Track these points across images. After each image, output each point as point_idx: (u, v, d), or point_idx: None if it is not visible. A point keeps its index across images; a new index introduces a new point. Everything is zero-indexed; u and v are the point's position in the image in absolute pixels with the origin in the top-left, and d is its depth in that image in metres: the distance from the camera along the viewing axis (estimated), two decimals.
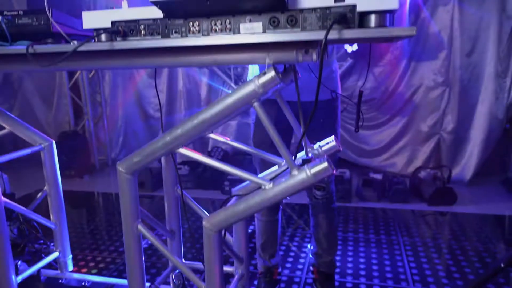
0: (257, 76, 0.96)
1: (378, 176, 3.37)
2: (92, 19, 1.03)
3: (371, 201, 3.30)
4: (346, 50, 3.65)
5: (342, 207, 3.19)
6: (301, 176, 0.97)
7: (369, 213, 3.08)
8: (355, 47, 3.50)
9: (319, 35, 0.85)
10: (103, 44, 0.99)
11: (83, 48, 0.98)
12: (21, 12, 1.18)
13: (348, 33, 0.85)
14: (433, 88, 3.67)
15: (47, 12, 1.11)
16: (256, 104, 0.99)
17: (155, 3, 0.92)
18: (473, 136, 3.57)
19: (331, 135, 1.62)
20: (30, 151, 1.44)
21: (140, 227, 1.17)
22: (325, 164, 0.95)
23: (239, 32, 0.94)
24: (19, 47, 1.06)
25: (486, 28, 3.39)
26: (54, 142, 1.52)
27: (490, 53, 3.41)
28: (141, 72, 4.49)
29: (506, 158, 3.59)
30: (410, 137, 3.84)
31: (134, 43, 0.98)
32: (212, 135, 1.16)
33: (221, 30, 0.95)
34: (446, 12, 3.49)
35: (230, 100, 0.99)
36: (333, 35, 0.84)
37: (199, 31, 0.97)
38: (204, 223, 1.07)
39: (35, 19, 1.16)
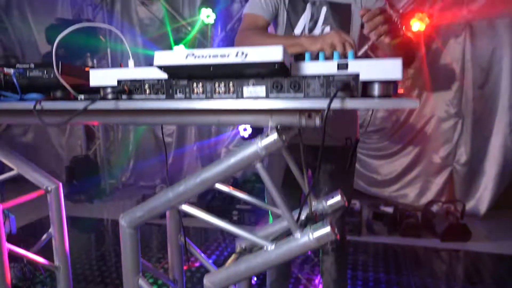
0: (260, 138, 0.96)
1: (389, 209, 3.31)
2: (99, 77, 1.04)
3: (381, 235, 3.22)
4: None
5: (352, 241, 3.13)
6: (303, 239, 0.95)
7: (380, 249, 3.00)
8: None
9: (322, 103, 0.84)
10: (108, 103, 1.00)
11: (89, 107, 0.99)
12: (32, 65, 1.21)
13: (351, 103, 0.84)
14: (446, 119, 3.63)
15: (54, 68, 1.13)
16: (258, 166, 0.98)
17: (159, 67, 0.93)
18: (487, 169, 3.49)
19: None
20: (37, 195, 1.45)
21: (141, 281, 1.15)
22: (328, 229, 0.92)
23: (242, 95, 0.94)
24: (27, 103, 1.07)
25: (499, 60, 3.36)
26: (61, 184, 1.53)
27: (504, 85, 3.36)
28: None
29: None
30: (422, 168, 3.78)
31: (138, 103, 0.98)
32: (217, 185, 1.16)
33: (225, 92, 0.95)
34: (458, 43, 3.47)
35: (232, 161, 0.99)
36: (336, 103, 0.83)
37: (202, 92, 0.97)
38: (205, 281, 1.05)
39: (45, 72, 1.19)
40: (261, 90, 0.93)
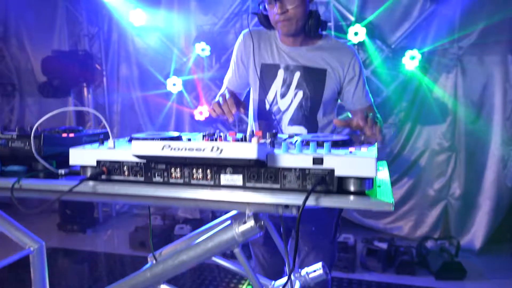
0: (237, 223, 0.95)
1: (383, 245, 3.28)
2: (79, 157, 1.04)
3: (375, 271, 3.19)
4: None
5: (345, 279, 3.09)
6: None
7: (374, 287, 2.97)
8: None
9: (297, 199, 0.84)
10: (86, 186, 1.00)
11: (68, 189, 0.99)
12: (14, 136, 1.21)
13: (326, 201, 0.83)
14: (439, 153, 3.63)
15: (32, 144, 1.12)
16: (236, 251, 0.97)
17: (137, 156, 0.93)
18: (481, 204, 3.48)
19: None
20: (18, 256, 1.44)
21: None
22: None
23: (219, 182, 0.94)
24: (7, 180, 1.07)
25: (490, 96, 3.38)
26: (44, 244, 1.52)
27: (496, 121, 3.38)
28: (149, 125, 4.55)
29: None
30: (417, 201, 3.76)
31: (115, 188, 0.98)
32: None
33: (202, 178, 0.95)
34: (450, 79, 3.50)
35: (210, 245, 0.98)
36: (311, 201, 0.83)
37: (180, 177, 0.97)
38: None
39: (27, 144, 1.19)
40: (238, 178, 0.92)
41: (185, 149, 0.88)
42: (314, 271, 1.22)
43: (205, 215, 4.05)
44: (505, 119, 3.37)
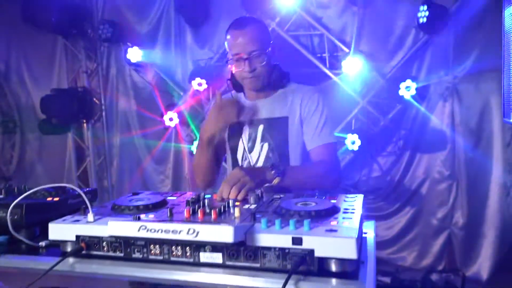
0: None
1: (387, 279, 3.20)
2: (58, 232, 1.02)
3: None
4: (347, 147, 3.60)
5: None
6: None
7: None
8: (356, 146, 3.48)
9: (277, 283, 0.81)
10: (65, 264, 0.97)
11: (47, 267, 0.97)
12: None
13: (306, 284, 0.80)
14: (440, 181, 3.58)
15: (8, 221, 1.11)
16: None
17: (114, 237, 0.92)
18: (486, 233, 3.40)
19: None
20: None
21: None
22: None
23: (199, 259, 0.91)
24: None
25: (489, 123, 3.36)
26: None
27: (496, 148, 3.34)
28: (147, 158, 4.55)
29: None
30: (420, 230, 3.69)
31: (93, 267, 0.96)
32: None
33: (181, 255, 0.93)
34: (447, 107, 3.49)
35: None
36: (291, 285, 0.80)
37: (160, 254, 0.95)
38: None
39: (9, 213, 1.17)
40: (217, 256, 0.90)
41: (161, 231, 0.86)
42: None
43: None
44: (505, 146, 3.33)
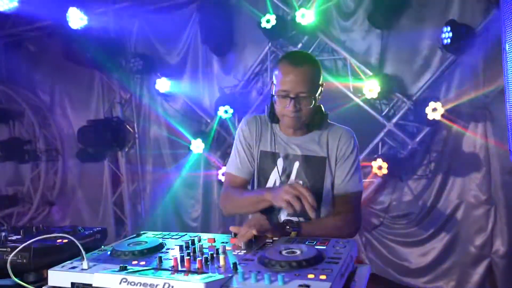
0: None
1: None
2: (56, 278, 1.08)
3: None
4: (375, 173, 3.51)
5: None
6: None
7: None
8: (382, 172, 3.39)
9: None
10: None
11: None
12: (8, 250, 1.29)
13: None
14: (476, 206, 3.39)
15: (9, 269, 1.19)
16: None
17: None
18: None
19: None
20: None
21: None
22: None
23: None
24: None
25: None
26: None
27: None
28: (178, 184, 4.66)
29: None
30: (457, 258, 3.49)
31: None
32: None
33: None
34: (479, 128, 3.32)
35: None
36: None
37: None
38: None
39: (19, 257, 1.26)
40: None
41: (140, 285, 0.89)
42: None
43: None
44: None
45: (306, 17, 3.56)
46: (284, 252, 1.04)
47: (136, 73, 4.42)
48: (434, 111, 3.18)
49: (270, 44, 3.90)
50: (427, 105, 3.29)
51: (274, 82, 1.54)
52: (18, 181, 5.71)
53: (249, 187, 1.73)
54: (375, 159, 3.45)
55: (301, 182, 1.57)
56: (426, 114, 3.29)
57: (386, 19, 3.53)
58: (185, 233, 1.38)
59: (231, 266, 0.99)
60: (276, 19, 3.58)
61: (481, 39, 3.18)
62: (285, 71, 1.48)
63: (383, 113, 3.63)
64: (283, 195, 1.31)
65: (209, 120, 4.28)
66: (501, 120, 3.24)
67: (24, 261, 1.24)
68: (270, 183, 1.63)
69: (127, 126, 4.75)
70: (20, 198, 5.53)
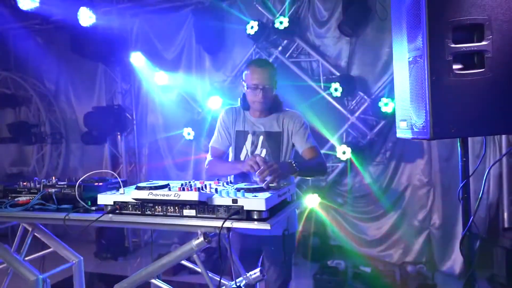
0: (194, 240, 1.57)
1: (367, 269, 3.73)
2: (104, 199, 1.71)
3: None
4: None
5: None
6: None
7: None
8: (346, 156, 4.06)
9: (218, 223, 1.46)
10: (106, 217, 1.66)
11: (95, 218, 1.65)
12: (65, 185, 1.91)
13: (238, 224, 1.45)
14: (420, 187, 4.09)
15: (76, 192, 1.81)
16: (195, 256, 1.59)
17: (135, 199, 1.59)
18: (459, 233, 3.86)
19: (280, 263, 2.16)
20: (64, 267, 2.09)
21: None
22: None
23: (183, 213, 1.57)
24: (61, 214, 1.75)
25: None
26: (82, 258, 2.18)
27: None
28: (172, 166, 5.27)
29: (492, 255, 3.80)
30: (404, 230, 4.19)
31: (123, 218, 1.64)
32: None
33: (173, 212, 1.59)
34: None
35: (178, 253, 1.60)
36: (227, 224, 1.45)
37: (161, 211, 1.61)
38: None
39: (72, 191, 1.88)
40: (193, 211, 1.56)
41: (161, 195, 1.53)
42: (254, 273, 1.80)
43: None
44: (474, 157, 3.80)
45: (283, 24, 4.20)
46: (243, 185, 1.69)
47: (136, 66, 5.00)
48: (386, 105, 3.86)
49: (255, 46, 4.53)
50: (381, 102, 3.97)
51: (246, 79, 2.19)
52: (22, 162, 6.26)
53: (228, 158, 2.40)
54: (340, 146, 4.13)
55: (264, 150, 2.23)
56: (380, 110, 3.96)
57: (354, 28, 4.18)
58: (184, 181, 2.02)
59: (214, 190, 1.63)
60: (258, 25, 4.21)
61: None
62: (255, 71, 2.14)
63: (348, 108, 4.31)
64: (247, 162, 1.92)
65: (200, 110, 4.90)
66: None
67: (78, 193, 1.86)
68: (243, 153, 2.28)
69: (127, 114, 5.35)
70: (26, 177, 6.08)
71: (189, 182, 1.82)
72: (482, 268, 3.84)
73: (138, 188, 1.78)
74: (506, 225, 3.60)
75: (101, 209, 1.77)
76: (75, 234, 1.95)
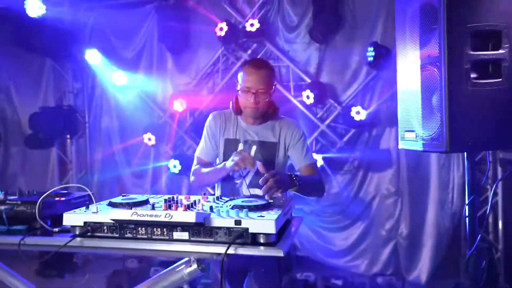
0: (185, 267, 1.33)
1: (339, 282, 3.64)
2: (70, 219, 1.41)
3: None
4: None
5: None
6: None
7: None
8: (319, 162, 3.97)
9: (222, 249, 1.24)
10: (76, 242, 1.37)
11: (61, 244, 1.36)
12: (19, 202, 1.57)
13: (243, 250, 1.23)
14: (388, 197, 4.09)
15: (36, 209, 1.49)
16: (185, 287, 1.34)
17: (114, 220, 1.32)
18: (425, 242, 3.91)
19: (273, 284, 1.96)
20: None
21: None
22: None
23: (172, 237, 1.33)
24: (14, 238, 1.42)
25: None
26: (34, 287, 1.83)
27: (433, 168, 3.89)
28: (127, 173, 4.88)
29: (457, 264, 3.89)
30: (371, 240, 4.17)
31: (97, 243, 1.35)
32: None
33: (160, 234, 1.34)
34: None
35: (165, 284, 1.35)
36: (231, 250, 1.23)
37: (145, 234, 1.35)
38: None
39: (28, 208, 1.55)
40: (185, 234, 1.32)
41: (147, 216, 1.27)
42: None
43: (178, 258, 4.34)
44: (440, 167, 3.88)
45: (254, 26, 4.04)
46: (246, 203, 1.48)
47: (91, 64, 4.58)
48: (358, 114, 3.82)
49: (223, 48, 4.32)
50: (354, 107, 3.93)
51: (239, 81, 1.98)
52: None
53: None
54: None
55: (257, 161, 2.02)
56: (353, 118, 3.93)
57: (324, 35, 4.12)
58: (158, 195, 1.76)
59: (209, 208, 1.40)
60: (228, 26, 4.02)
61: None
62: (249, 72, 1.94)
63: (318, 116, 4.23)
64: (232, 158, 1.75)
65: (161, 114, 4.58)
66: None
67: (33, 210, 1.54)
68: None
69: (78, 116, 4.88)
70: None
71: (173, 197, 1.58)
72: (447, 277, 3.91)
73: (111, 204, 1.51)
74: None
75: (66, 230, 1.47)
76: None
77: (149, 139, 4.35)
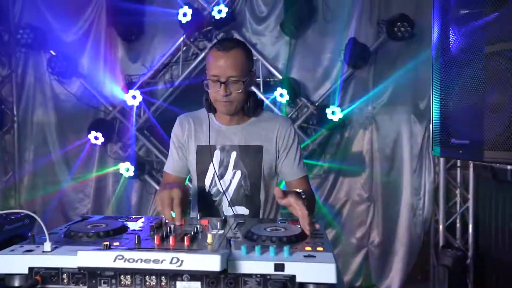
0: None
1: None
2: (6, 264, 0.91)
3: None
4: None
5: None
6: None
7: None
8: None
9: None
10: None
11: None
12: None
13: None
14: (360, 203, 3.89)
15: None
16: None
17: (84, 269, 0.85)
18: (397, 250, 3.76)
19: None
20: None
21: None
22: None
23: None
24: None
25: (400, 151, 3.77)
26: None
27: (405, 173, 3.76)
28: (66, 175, 4.18)
29: (428, 271, 3.80)
30: (341, 249, 3.94)
31: None
32: None
33: (156, 285, 0.89)
34: (367, 135, 3.83)
35: None
36: None
37: (131, 284, 0.90)
38: None
39: None
40: (195, 285, 0.89)
41: (141, 261, 0.82)
42: None
43: None
44: (412, 172, 3.76)
45: (222, 12, 3.61)
46: (269, 229, 1.08)
47: (23, 46, 3.84)
48: (333, 113, 3.56)
49: (184, 36, 3.82)
50: (326, 111, 3.66)
51: (206, 67, 1.55)
52: None
53: (189, 183, 1.75)
54: None
55: (239, 172, 1.61)
56: (325, 119, 3.66)
57: (295, 28, 3.80)
58: (139, 216, 1.30)
59: (222, 243, 0.98)
60: (192, 12, 3.54)
61: (373, 58, 3.70)
62: (215, 55, 1.49)
63: (289, 116, 3.90)
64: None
65: (110, 108, 3.97)
66: (385, 129, 3.82)
67: None
68: (208, 176, 1.63)
69: (4, 108, 4.08)
70: None
71: (161, 221, 1.15)
72: (418, 284, 3.80)
73: (71, 236, 1.03)
74: (442, 243, 3.58)
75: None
76: None
77: (96, 138, 3.72)
